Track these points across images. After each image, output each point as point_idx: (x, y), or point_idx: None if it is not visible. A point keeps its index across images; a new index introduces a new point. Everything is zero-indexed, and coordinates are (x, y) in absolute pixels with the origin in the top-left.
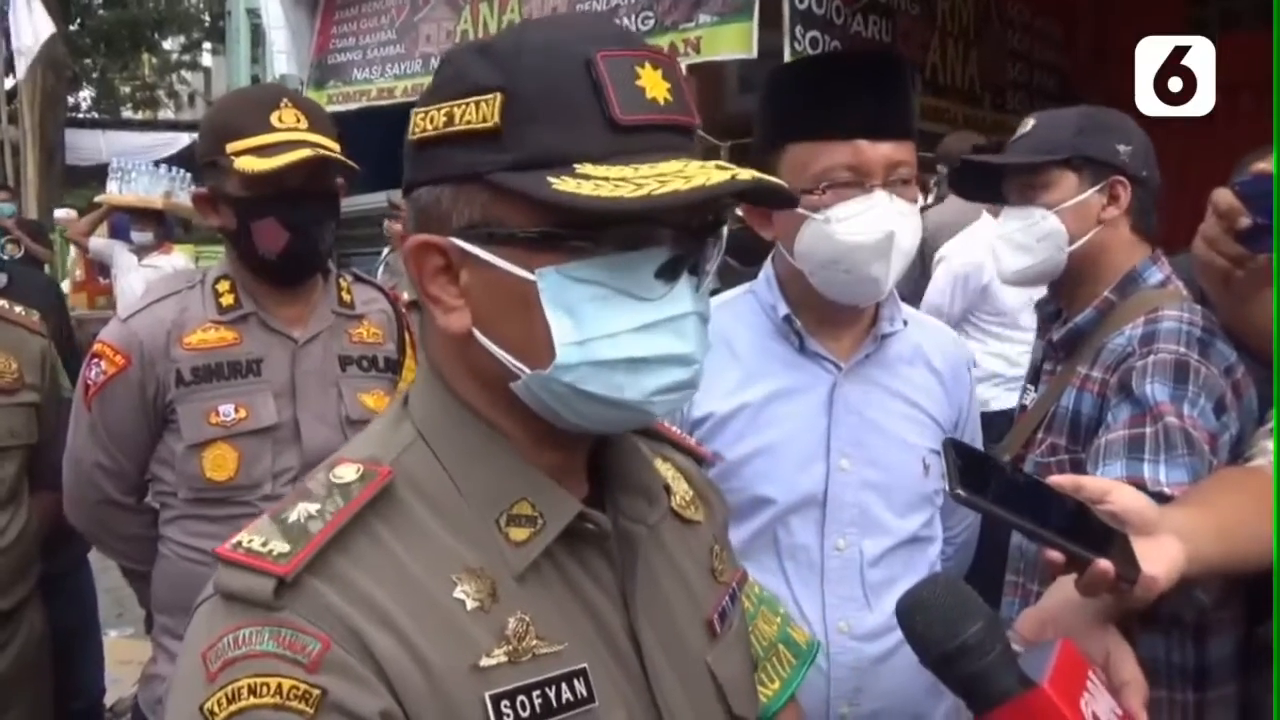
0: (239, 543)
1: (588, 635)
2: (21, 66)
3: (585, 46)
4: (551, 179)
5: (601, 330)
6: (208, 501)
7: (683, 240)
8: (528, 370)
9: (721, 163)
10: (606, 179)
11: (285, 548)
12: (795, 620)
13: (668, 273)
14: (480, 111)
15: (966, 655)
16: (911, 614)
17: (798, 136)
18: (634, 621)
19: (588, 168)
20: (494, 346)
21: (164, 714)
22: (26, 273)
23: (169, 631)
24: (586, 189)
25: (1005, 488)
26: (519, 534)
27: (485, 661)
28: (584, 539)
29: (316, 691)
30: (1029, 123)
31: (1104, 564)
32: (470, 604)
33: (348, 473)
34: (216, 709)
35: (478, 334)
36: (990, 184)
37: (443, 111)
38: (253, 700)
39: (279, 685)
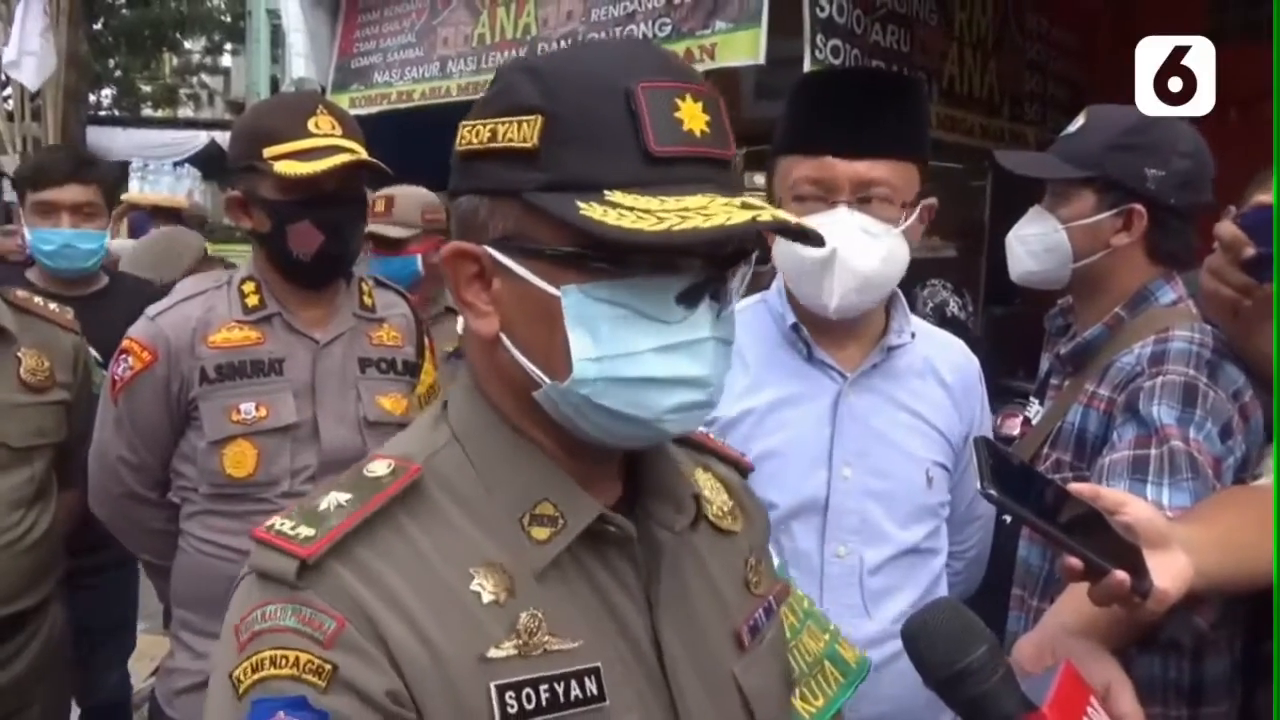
0: (272, 525)
1: (609, 637)
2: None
3: (628, 76)
4: (580, 203)
5: (619, 349)
6: (227, 497)
7: (707, 268)
8: (548, 380)
9: (748, 199)
10: (632, 209)
11: (311, 532)
12: (845, 637)
13: (689, 298)
14: (521, 131)
15: (969, 679)
16: (916, 638)
17: (782, 150)
18: (657, 625)
19: (617, 195)
20: (519, 354)
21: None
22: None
23: (187, 625)
24: (611, 217)
25: (1032, 491)
26: (540, 533)
27: (494, 652)
28: (608, 542)
29: (329, 667)
30: (1080, 120)
31: (1121, 575)
32: (486, 597)
33: (380, 468)
34: (243, 677)
35: (505, 340)
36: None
37: (488, 127)
38: (272, 671)
39: (296, 658)
